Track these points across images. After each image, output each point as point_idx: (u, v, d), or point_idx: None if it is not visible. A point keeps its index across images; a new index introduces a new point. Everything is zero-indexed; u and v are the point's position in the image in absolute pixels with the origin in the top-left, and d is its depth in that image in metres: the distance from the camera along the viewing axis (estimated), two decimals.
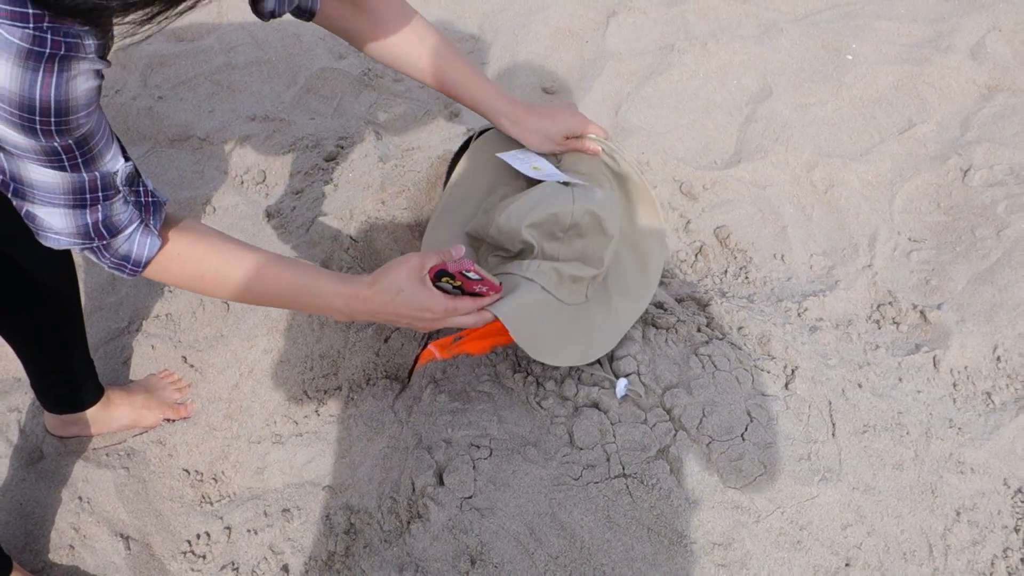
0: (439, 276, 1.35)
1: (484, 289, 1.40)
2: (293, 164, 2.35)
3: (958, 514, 1.61)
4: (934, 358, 1.95)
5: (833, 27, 2.84)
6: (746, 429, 1.50)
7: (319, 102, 2.69)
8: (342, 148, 2.37)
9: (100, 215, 1.17)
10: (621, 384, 1.55)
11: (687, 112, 2.59)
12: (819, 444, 1.54)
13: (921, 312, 2.08)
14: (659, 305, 1.74)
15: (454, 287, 1.38)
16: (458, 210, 1.73)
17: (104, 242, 1.21)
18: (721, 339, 1.66)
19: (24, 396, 1.88)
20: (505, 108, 1.68)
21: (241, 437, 1.82)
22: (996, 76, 2.69)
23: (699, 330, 1.68)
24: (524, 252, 1.57)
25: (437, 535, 1.42)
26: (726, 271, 2.15)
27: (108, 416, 1.85)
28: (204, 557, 1.71)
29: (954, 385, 1.91)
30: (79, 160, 1.09)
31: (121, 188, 1.17)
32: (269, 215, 2.14)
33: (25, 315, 1.58)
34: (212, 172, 2.40)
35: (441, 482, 1.46)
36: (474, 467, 1.46)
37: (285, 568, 1.61)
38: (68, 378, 1.74)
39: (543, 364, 1.60)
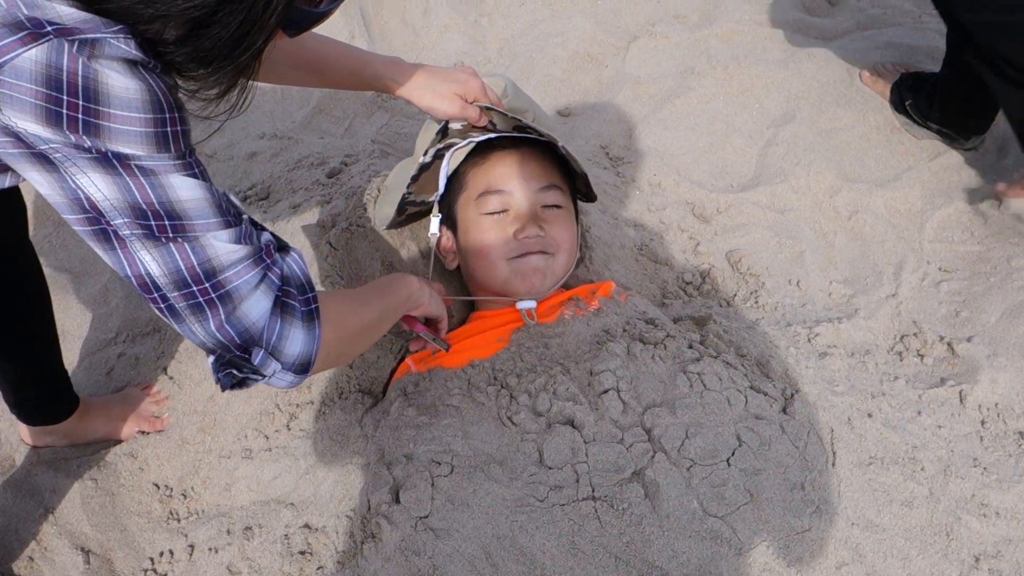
0: None
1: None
2: (296, 181, 2.30)
3: (977, 560, 1.45)
4: (960, 392, 1.80)
5: (861, 51, 2.73)
6: (733, 454, 1.37)
7: (330, 123, 2.65)
8: (345, 166, 2.32)
9: (246, 230, 1.11)
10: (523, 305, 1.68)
11: (704, 135, 2.49)
12: (816, 474, 1.40)
13: (949, 344, 1.93)
14: (648, 321, 1.63)
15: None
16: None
17: (273, 263, 1.14)
18: (715, 357, 1.53)
19: None
20: (385, 71, 1.61)
21: (213, 451, 1.75)
22: None
23: (690, 347, 1.56)
24: None
25: (389, 557, 1.31)
26: (735, 295, 2.03)
27: (83, 427, 1.80)
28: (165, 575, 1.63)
29: (982, 422, 1.76)
30: (198, 168, 1.06)
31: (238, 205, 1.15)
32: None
33: None
34: (216, 187, 2.37)
35: (397, 500, 1.36)
36: (433, 484, 1.35)
37: None
38: (41, 391, 1.70)
39: (519, 376, 1.50)
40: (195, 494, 1.73)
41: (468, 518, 1.31)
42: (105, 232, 1.01)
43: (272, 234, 1.19)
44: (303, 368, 1.18)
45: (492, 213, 1.73)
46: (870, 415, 1.62)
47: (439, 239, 1.82)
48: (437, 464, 1.38)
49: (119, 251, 1.03)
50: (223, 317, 1.09)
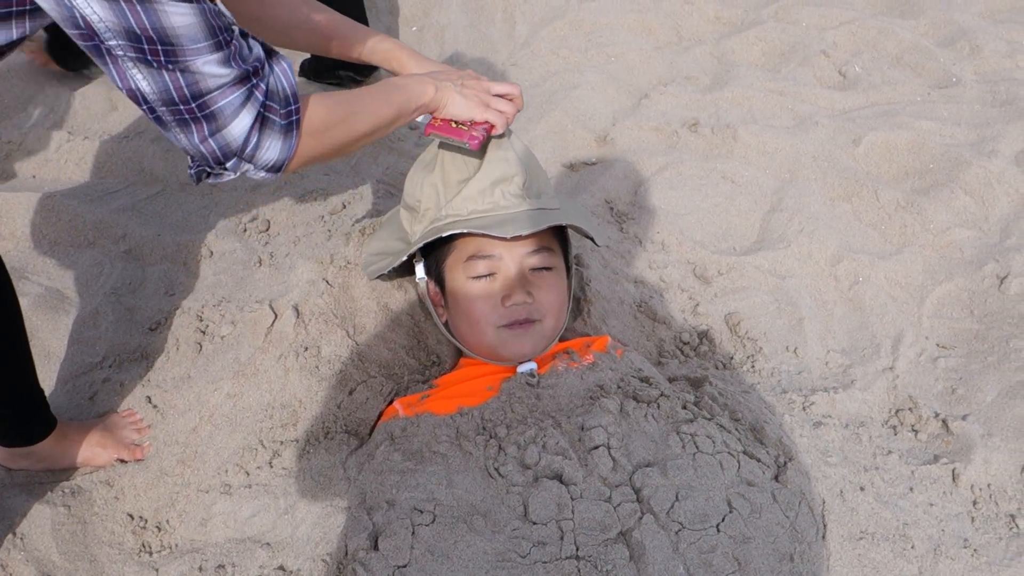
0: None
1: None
2: (298, 215, 2.29)
3: None
4: (953, 471, 1.77)
5: (870, 124, 2.75)
6: (723, 519, 1.34)
7: (337, 160, 2.65)
8: (349, 204, 2.31)
9: (236, 47, 1.20)
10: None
11: (710, 196, 2.50)
12: (806, 545, 1.37)
13: (943, 421, 1.91)
14: (643, 379, 1.61)
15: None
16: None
17: (260, 80, 1.24)
18: (708, 419, 1.51)
19: None
20: (400, 51, 1.76)
21: (191, 484, 1.70)
22: None
23: (684, 407, 1.54)
24: None
25: None
26: (732, 358, 2.01)
27: (60, 451, 1.75)
28: None
29: (974, 503, 1.73)
30: None
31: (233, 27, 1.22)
32: (260, 261, 2.08)
33: None
34: (216, 218, 2.36)
35: (375, 547, 1.32)
36: (413, 533, 1.32)
37: None
38: (13, 411, 1.66)
39: (508, 427, 1.47)
40: (170, 527, 1.68)
41: (447, 570, 1.27)
42: (99, 49, 1.11)
43: (262, 44, 1.29)
44: (275, 170, 1.33)
45: (480, 277, 1.70)
46: (862, 488, 1.59)
47: (425, 297, 1.81)
48: (419, 512, 1.34)
49: (112, 66, 1.14)
50: (206, 133, 1.22)
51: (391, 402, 1.70)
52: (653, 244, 2.32)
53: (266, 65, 1.28)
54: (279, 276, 1.96)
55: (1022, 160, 2.61)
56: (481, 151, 1.71)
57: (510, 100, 1.72)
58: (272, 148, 1.29)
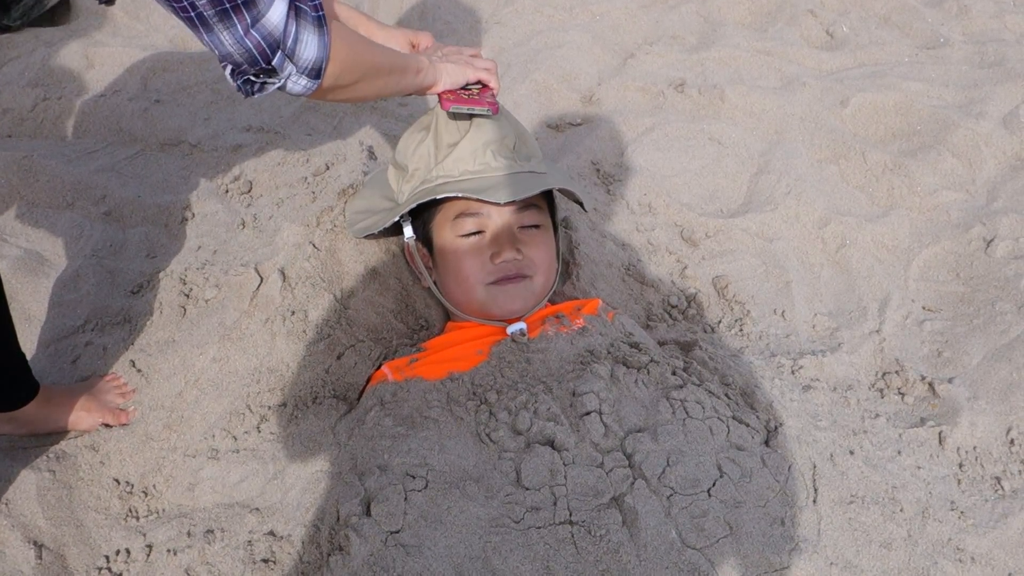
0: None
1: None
2: (281, 176, 2.25)
3: None
4: (940, 434, 1.78)
5: (858, 84, 2.73)
6: (714, 484, 1.34)
7: (319, 120, 2.61)
8: (332, 164, 2.27)
9: None
10: (514, 328, 1.65)
11: (696, 158, 2.48)
12: (796, 510, 1.38)
13: (930, 384, 1.92)
14: (633, 344, 1.60)
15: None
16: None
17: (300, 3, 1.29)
18: (698, 385, 1.50)
19: None
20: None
21: (178, 449, 1.69)
22: None
23: (674, 373, 1.53)
24: None
25: (356, 571, 1.26)
26: (720, 322, 2.00)
27: (44, 416, 1.73)
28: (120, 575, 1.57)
29: (960, 465, 1.74)
30: None
31: None
32: (244, 223, 2.04)
33: None
34: (197, 179, 2.32)
35: (368, 512, 1.31)
36: (406, 499, 1.31)
37: None
38: None
39: (499, 392, 1.46)
40: (156, 492, 1.67)
41: (441, 536, 1.27)
42: None
43: None
44: (316, 73, 1.36)
45: (468, 235, 1.69)
46: (852, 452, 1.60)
47: (414, 256, 1.78)
48: (412, 478, 1.33)
49: None
50: (248, 22, 1.24)
51: (379, 366, 1.69)
52: (640, 206, 2.30)
53: None
54: (263, 239, 1.93)
55: (1010, 122, 2.61)
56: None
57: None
58: (310, 44, 1.32)
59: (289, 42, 1.29)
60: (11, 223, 2.14)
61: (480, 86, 1.76)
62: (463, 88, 1.74)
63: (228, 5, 1.22)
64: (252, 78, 1.35)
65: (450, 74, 1.70)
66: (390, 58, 1.57)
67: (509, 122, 1.75)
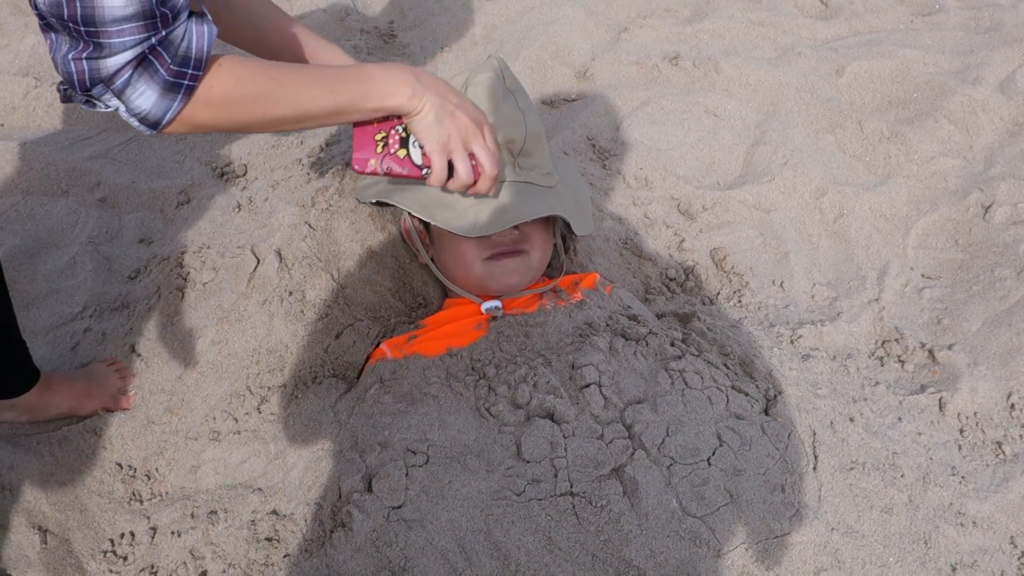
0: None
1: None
2: (275, 159, 2.25)
3: (954, 570, 1.44)
4: (940, 400, 1.78)
5: (853, 53, 2.71)
6: (714, 453, 1.34)
7: None
8: (328, 146, 2.27)
9: None
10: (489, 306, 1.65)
11: (692, 130, 2.47)
12: (797, 477, 1.38)
13: (930, 351, 1.92)
14: (631, 316, 1.60)
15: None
16: None
17: (165, 33, 1.16)
18: (696, 355, 1.51)
19: None
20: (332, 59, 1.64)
21: (179, 432, 1.69)
22: None
23: (672, 344, 1.53)
24: None
25: (359, 547, 1.27)
26: (718, 293, 2.00)
27: (45, 402, 1.73)
28: (125, 559, 1.57)
29: (960, 431, 1.75)
30: None
31: None
32: (239, 206, 2.04)
33: None
34: (191, 164, 2.31)
35: (369, 488, 1.32)
36: (407, 474, 1.31)
37: (203, 575, 1.47)
38: None
39: (498, 367, 1.46)
40: (159, 475, 1.67)
41: (443, 510, 1.27)
42: None
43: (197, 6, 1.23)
44: (149, 124, 1.22)
45: None
46: (852, 419, 1.60)
47: (411, 233, 1.78)
48: (412, 453, 1.34)
49: None
50: (86, 55, 1.14)
51: (378, 344, 1.69)
52: (636, 180, 2.30)
53: (181, 17, 1.18)
54: (259, 221, 1.93)
55: (1006, 88, 2.59)
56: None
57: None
58: (146, 97, 1.19)
59: (117, 84, 1.17)
60: (6, 211, 2.14)
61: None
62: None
63: (83, 30, 1.12)
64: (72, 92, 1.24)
65: (426, 128, 1.44)
66: (307, 104, 1.34)
67: (528, 119, 1.66)
